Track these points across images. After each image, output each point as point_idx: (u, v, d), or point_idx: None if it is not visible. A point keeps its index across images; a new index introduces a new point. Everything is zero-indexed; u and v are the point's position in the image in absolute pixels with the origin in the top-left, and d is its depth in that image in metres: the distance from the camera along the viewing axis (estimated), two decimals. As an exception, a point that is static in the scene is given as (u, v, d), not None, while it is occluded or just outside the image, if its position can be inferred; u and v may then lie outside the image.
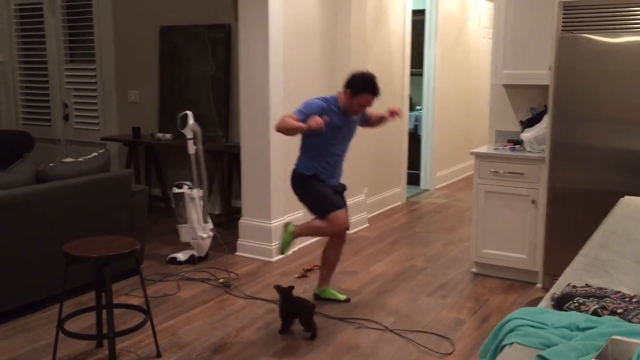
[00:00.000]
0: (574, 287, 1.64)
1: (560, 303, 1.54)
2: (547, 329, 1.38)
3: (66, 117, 7.09)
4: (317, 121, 3.39)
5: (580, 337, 1.31)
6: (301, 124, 3.45)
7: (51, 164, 3.93)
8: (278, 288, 3.51)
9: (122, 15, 6.48)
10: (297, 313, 3.49)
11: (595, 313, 1.46)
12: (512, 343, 1.35)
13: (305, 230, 3.93)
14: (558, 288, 1.66)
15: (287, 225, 3.93)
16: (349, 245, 4.83)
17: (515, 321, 1.43)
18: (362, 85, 3.57)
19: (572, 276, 1.78)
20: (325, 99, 3.66)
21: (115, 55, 6.60)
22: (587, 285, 1.65)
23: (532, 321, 1.41)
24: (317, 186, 3.71)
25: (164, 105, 6.27)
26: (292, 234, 3.88)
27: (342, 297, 3.97)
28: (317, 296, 3.99)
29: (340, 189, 3.87)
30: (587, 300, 1.52)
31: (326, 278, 3.99)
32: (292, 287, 3.51)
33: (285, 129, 3.51)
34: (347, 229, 3.91)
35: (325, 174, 3.73)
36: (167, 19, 6.16)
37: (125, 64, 6.56)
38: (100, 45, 6.66)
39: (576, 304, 1.51)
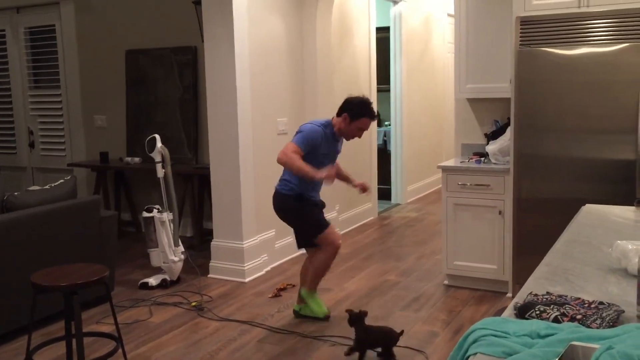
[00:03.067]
0: (536, 295, 1.67)
1: (522, 312, 1.57)
2: (509, 337, 1.40)
3: (32, 144, 7.00)
4: (331, 175, 3.55)
5: (541, 344, 1.34)
6: (315, 174, 3.52)
7: (17, 193, 3.88)
8: (351, 314, 3.33)
9: (87, 39, 6.46)
10: (377, 342, 3.34)
11: (555, 320, 1.49)
12: (476, 353, 1.37)
13: (313, 279, 3.91)
14: (520, 297, 1.69)
15: (300, 296, 3.95)
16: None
17: (478, 331, 1.45)
18: (362, 110, 3.70)
19: (535, 285, 1.82)
20: (322, 125, 3.74)
21: (81, 80, 6.56)
22: (548, 293, 1.69)
23: (495, 330, 1.44)
24: (306, 209, 3.76)
25: (132, 129, 6.23)
26: (308, 295, 3.91)
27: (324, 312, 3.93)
28: (296, 313, 3.98)
29: (322, 206, 3.93)
30: (547, 307, 1.55)
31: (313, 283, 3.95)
32: (364, 313, 3.32)
33: (295, 170, 3.59)
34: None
35: (313, 195, 3.81)
36: (132, 42, 6.15)
37: (91, 88, 6.52)
38: (65, 70, 6.61)
39: (537, 312, 1.54)
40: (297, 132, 3.75)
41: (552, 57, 3.90)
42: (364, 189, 3.88)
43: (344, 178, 4.00)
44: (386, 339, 3.32)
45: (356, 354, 3.35)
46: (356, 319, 3.31)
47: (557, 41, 3.92)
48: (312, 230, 3.81)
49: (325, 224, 3.81)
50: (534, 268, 2.05)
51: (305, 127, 3.74)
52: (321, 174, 3.53)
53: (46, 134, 6.91)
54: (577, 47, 3.84)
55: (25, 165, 7.09)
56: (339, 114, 3.77)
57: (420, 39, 7.82)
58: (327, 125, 3.77)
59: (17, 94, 6.98)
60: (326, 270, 3.92)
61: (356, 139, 3.86)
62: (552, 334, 1.38)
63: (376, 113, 3.81)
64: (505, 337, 1.41)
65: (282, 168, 3.76)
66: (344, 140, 3.92)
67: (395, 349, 3.46)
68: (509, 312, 1.63)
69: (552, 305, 1.57)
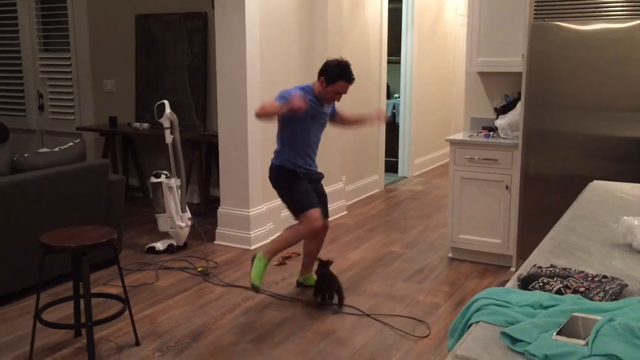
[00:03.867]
0: (540, 267, 1.69)
1: (525, 283, 1.58)
2: (511, 307, 1.42)
3: (41, 107, 7.02)
4: (297, 99, 3.34)
5: (543, 314, 1.36)
6: (282, 106, 3.39)
7: (26, 154, 3.90)
8: (320, 263, 3.71)
9: (97, 3, 6.41)
10: (327, 287, 3.69)
11: (558, 292, 1.51)
12: (478, 321, 1.39)
13: (276, 245, 3.75)
14: (525, 269, 1.71)
15: (254, 256, 3.78)
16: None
17: (481, 301, 1.47)
18: (338, 73, 3.56)
19: (539, 258, 1.84)
20: (302, 88, 3.64)
21: (91, 44, 6.53)
22: (552, 266, 1.70)
23: (498, 300, 1.46)
24: (297, 183, 3.68)
25: (141, 94, 6.23)
26: (261, 259, 3.69)
27: None
28: (300, 284, 4.02)
29: (318, 177, 3.85)
30: (551, 280, 1.57)
31: (308, 266, 4.02)
32: (329, 262, 3.68)
33: (266, 114, 3.45)
34: (326, 227, 3.86)
35: (304, 164, 3.71)
36: (142, 7, 6.11)
37: (101, 52, 6.50)
38: (75, 33, 6.58)
39: (541, 284, 1.55)
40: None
41: (566, 32, 3.85)
42: (378, 117, 3.82)
43: (356, 121, 3.94)
44: (324, 282, 3.67)
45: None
46: (321, 265, 3.66)
47: (571, 16, 3.88)
48: (298, 203, 3.69)
49: (306, 206, 3.64)
50: (538, 243, 2.06)
51: (284, 89, 3.62)
52: (289, 102, 3.34)
53: (55, 97, 6.91)
54: (591, 22, 3.79)
55: (34, 128, 7.12)
56: (318, 78, 3.63)
57: (432, 11, 7.72)
58: (307, 90, 3.63)
59: (27, 56, 6.96)
60: (292, 243, 3.75)
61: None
62: (555, 305, 1.40)
63: (353, 77, 3.59)
64: (508, 307, 1.43)
65: None
66: (327, 104, 3.75)
67: (398, 320, 3.51)
68: (512, 283, 1.65)
69: (555, 278, 1.59)
